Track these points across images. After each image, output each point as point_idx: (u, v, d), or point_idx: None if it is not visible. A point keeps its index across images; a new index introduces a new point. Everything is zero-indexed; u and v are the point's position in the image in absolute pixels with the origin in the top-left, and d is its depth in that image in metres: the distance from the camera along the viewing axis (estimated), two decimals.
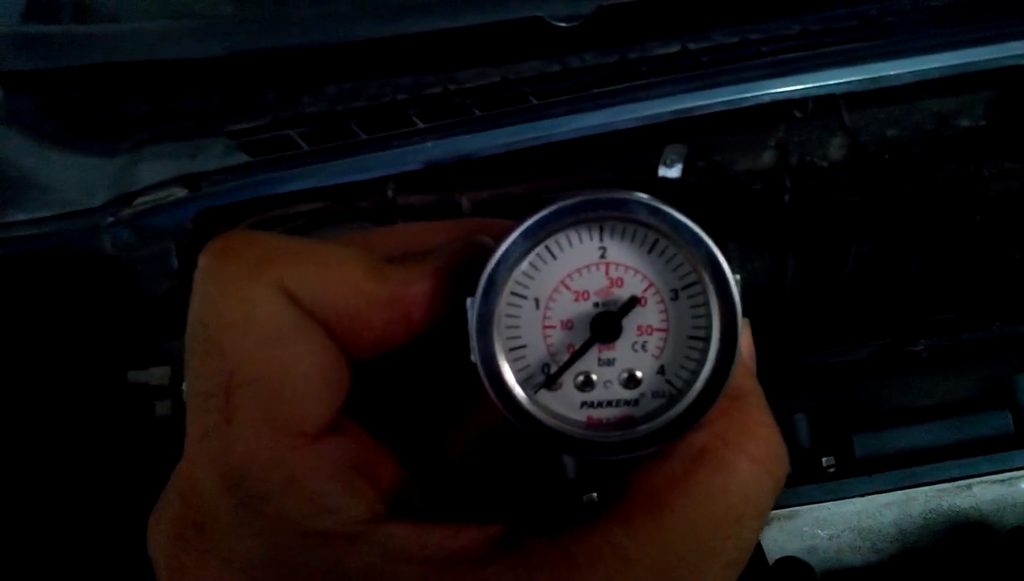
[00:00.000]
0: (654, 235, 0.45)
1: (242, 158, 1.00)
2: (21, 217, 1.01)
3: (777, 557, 0.97)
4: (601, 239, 0.45)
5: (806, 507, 0.98)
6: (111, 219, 0.98)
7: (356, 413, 0.45)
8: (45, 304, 1.03)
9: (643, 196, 0.44)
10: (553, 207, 0.44)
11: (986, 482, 0.99)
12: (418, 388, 0.51)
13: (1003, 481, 0.99)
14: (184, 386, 0.98)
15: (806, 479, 1.00)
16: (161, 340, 1.02)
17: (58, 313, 1.04)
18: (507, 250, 0.44)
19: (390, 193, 1.01)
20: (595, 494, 0.48)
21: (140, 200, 0.98)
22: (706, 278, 0.45)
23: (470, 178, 1.02)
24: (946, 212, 1.07)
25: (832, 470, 1.00)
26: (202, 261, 0.42)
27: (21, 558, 1.03)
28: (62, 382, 1.04)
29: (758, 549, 0.94)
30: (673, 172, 1.04)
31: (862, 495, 0.99)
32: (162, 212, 0.97)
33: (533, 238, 0.44)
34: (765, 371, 0.98)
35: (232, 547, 0.39)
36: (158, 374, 0.98)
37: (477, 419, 0.51)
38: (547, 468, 0.50)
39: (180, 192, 0.97)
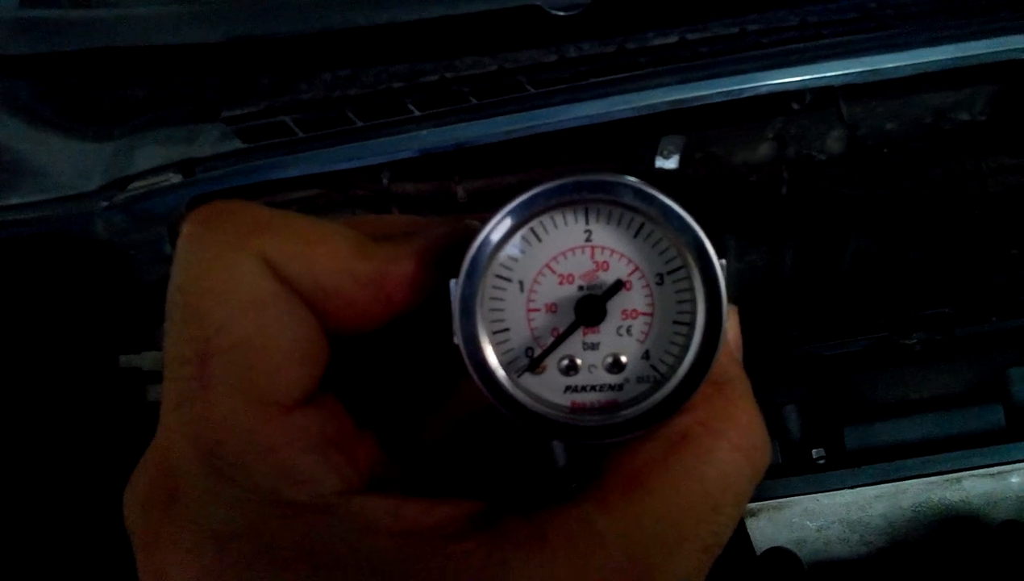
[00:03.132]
0: (640, 219, 0.45)
1: (237, 144, 1.00)
2: (15, 201, 1.01)
3: (765, 548, 0.97)
4: (587, 222, 0.45)
5: (795, 498, 0.99)
6: (105, 204, 0.98)
7: (338, 393, 0.44)
8: (38, 288, 1.04)
9: (630, 179, 0.44)
10: (538, 188, 0.44)
11: (976, 476, 0.99)
12: (402, 372, 0.51)
13: (993, 475, 0.99)
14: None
15: (796, 470, 1.00)
16: (154, 325, 1.02)
17: (51, 297, 1.04)
18: (491, 231, 0.44)
19: (385, 181, 1.01)
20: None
21: (134, 185, 0.98)
22: (691, 263, 0.44)
23: (466, 166, 1.02)
24: (944, 207, 1.06)
25: (822, 462, 1.01)
26: (186, 228, 0.42)
27: (13, 541, 1.03)
28: (54, 366, 1.05)
29: (746, 539, 0.94)
30: (670, 163, 1.03)
31: (852, 487, 0.99)
32: (156, 197, 0.97)
33: (518, 220, 0.44)
34: (759, 363, 0.98)
35: (204, 516, 0.39)
36: (150, 359, 0.98)
37: (460, 404, 0.51)
38: (536, 456, 0.50)
39: (174, 177, 0.97)
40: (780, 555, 0.96)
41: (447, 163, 1.02)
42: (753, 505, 0.99)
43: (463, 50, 1.06)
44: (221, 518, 0.39)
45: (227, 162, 0.98)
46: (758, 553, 0.97)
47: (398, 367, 0.51)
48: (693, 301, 0.45)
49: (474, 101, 1.00)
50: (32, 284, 1.04)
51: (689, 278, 0.45)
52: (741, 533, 0.94)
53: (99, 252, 0.99)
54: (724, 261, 0.44)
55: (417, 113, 1.00)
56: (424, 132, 0.98)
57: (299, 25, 1.04)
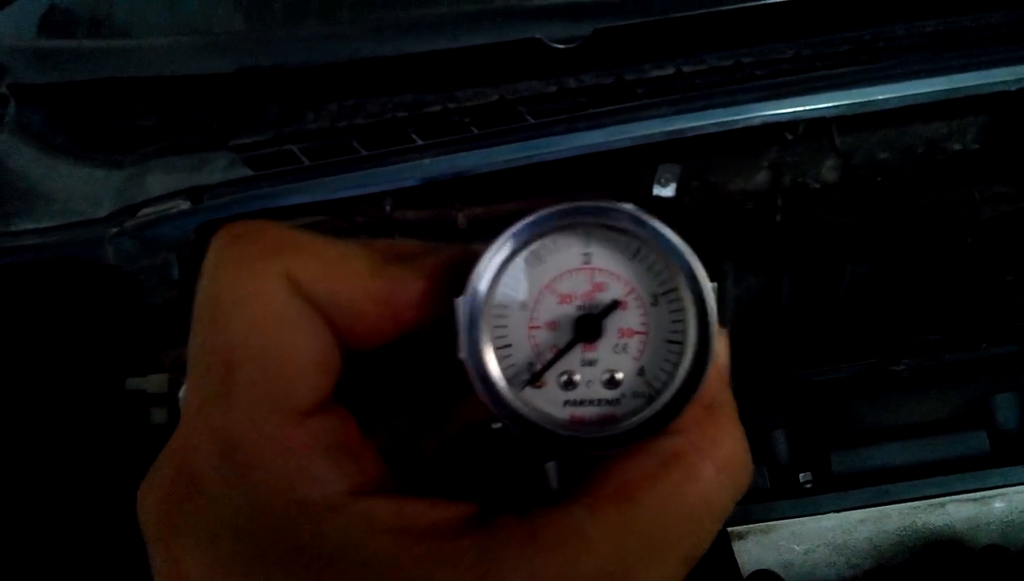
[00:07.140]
0: (636, 243, 0.47)
1: (245, 172, 1.02)
2: (28, 226, 1.03)
3: (752, 570, 0.99)
4: (586, 245, 0.47)
5: (782, 521, 1.00)
6: (115, 230, 1.00)
7: (345, 403, 0.47)
8: (48, 311, 1.06)
9: (627, 206, 0.46)
10: (540, 213, 0.46)
11: (960, 500, 1.00)
12: (406, 386, 0.54)
13: (977, 500, 1.00)
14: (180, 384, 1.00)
15: (783, 494, 1.01)
16: (160, 349, 1.04)
17: (60, 321, 1.06)
18: (496, 253, 0.46)
19: (387, 208, 1.03)
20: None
21: (144, 212, 1.00)
22: (683, 285, 0.47)
23: (466, 194, 1.04)
24: (938, 235, 1.08)
25: (809, 486, 1.02)
26: (216, 242, 0.44)
27: (18, 563, 1.05)
28: (62, 388, 1.07)
29: (732, 562, 0.96)
30: (667, 191, 1.05)
31: (838, 511, 1.00)
32: (165, 224, 0.99)
33: (520, 242, 0.46)
34: (750, 387, 1.00)
35: (222, 509, 0.41)
36: (156, 382, 1.00)
37: (458, 421, 0.54)
38: (530, 478, 0.52)
39: (183, 204, 0.99)
40: (766, 577, 0.97)
41: (448, 191, 1.04)
42: (740, 528, 1.00)
43: (465, 81, 1.08)
44: (237, 512, 0.41)
45: (235, 189, 1.00)
46: (744, 575, 0.98)
47: (402, 382, 0.54)
48: (684, 321, 0.47)
49: (475, 131, 1.02)
50: (41, 307, 1.06)
51: (681, 299, 0.47)
52: (728, 555, 0.96)
53: (108, 277, 1.01)
54: (715, 284, 0.46)
55: (420, 142, 1.02)
56: (426, 161, 1.00)
57: (307, 57, 1.06)
